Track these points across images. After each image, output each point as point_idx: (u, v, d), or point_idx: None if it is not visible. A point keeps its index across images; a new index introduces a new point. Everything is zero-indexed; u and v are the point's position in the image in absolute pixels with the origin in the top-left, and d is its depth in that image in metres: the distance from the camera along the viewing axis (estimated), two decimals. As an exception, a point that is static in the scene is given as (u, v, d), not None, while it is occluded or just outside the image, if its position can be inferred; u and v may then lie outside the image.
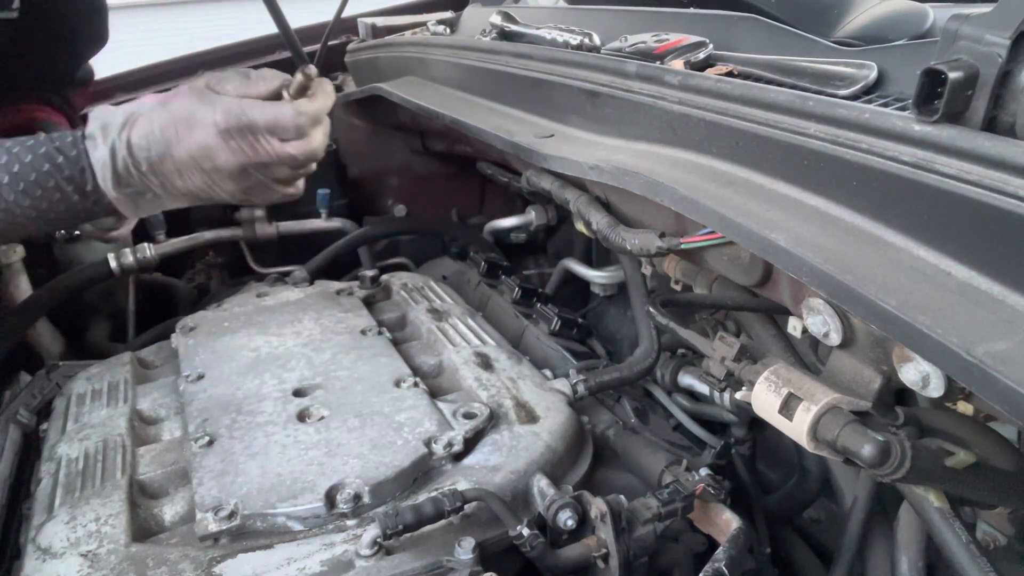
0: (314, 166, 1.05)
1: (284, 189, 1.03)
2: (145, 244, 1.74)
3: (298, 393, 1.07)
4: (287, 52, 2.37)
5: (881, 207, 0.70)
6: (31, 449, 1.13)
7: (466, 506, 0.84)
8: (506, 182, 1.80)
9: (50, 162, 0.91)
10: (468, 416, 1.00)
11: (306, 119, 1.02)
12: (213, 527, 0.83)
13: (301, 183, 1.05)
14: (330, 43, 2.26)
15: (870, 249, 0.69)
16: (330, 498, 0.87)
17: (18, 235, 0.96)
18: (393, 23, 2.09)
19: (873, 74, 0.82)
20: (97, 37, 1.02)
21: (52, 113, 1.70)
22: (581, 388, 1.15)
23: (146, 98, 0.97)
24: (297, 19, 2.38)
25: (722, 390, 1.16)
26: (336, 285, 1.45)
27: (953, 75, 0.61)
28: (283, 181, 1.01)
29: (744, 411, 1.23)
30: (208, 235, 1.85)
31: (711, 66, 1.01)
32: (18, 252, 1.61)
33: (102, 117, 0.95)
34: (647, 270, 1.33)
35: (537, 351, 1.38)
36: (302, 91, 1.06)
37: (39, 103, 1.69)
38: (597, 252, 1.76)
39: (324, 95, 1.08)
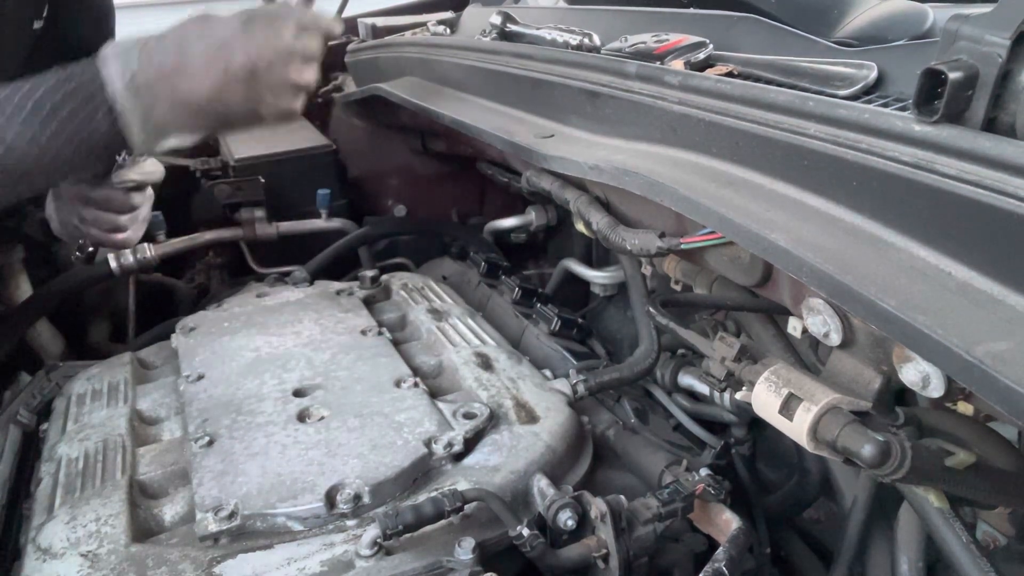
0: (315, 71, 1.07)
1: (291, 97, 1.04)
2: (145, 244, 1.73)
3: (298, 393, 1.07)
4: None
5: (881, 207, 0.70)
6: (31, 449, 1.13)
7: (466, 506, 0.84)
8: (506, 182, 1.80)
9: (67, 84, 0.92)
10: (468, 416, 1.00)
11: (318, 18, 1.07)
12: (213, 527, 0.83)
13: (311, 77, 1.06)
14: (330, 43, 2.26)
15: (870, 249, 0.69)
16: (330, 498, 0.87)
17: (44, 176, 0.96)
18: (393, 23, 2.09)
19: (873, 74, 0.82)
20: (106, 40, 1.07)
21: None
22: (581, 388, 1.15)
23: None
24: (297, 19, 2.37)
25: (722, 390, 1.16)
26: (336, 285, 1.45)
27: (953, 75, 0.61)
28: (292, 85, 1.03)
29: (744, 411, 1.23)
30: (208, 235, 1.85)
31: (711, 66, 1.01)
32: (18, 252, 1.61)
33: (115, 43, 0.97)
34: (647, 270, 1.33)
35: (537, 351, 1.38)
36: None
37: None
38: (597, 252, 1.76)
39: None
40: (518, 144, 1.16)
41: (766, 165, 0.82)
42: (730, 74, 0.96)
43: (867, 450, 0.68)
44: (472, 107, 1.40)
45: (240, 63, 0.97)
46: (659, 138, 0.98)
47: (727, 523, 0.91)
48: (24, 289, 1.64)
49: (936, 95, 0.63)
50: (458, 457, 0.95)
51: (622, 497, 0.88)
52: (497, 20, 1.46)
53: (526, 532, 0.82)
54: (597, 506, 0.86)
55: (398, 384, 1.08)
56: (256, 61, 0.97)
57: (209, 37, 0.97)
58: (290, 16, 1.02)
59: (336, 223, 1.97)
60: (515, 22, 1.44)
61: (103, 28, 1.58)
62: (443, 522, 0.84)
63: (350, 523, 0.87)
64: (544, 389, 1.11)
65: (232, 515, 0.84)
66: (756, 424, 1.27)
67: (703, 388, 1.26)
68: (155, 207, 1.69)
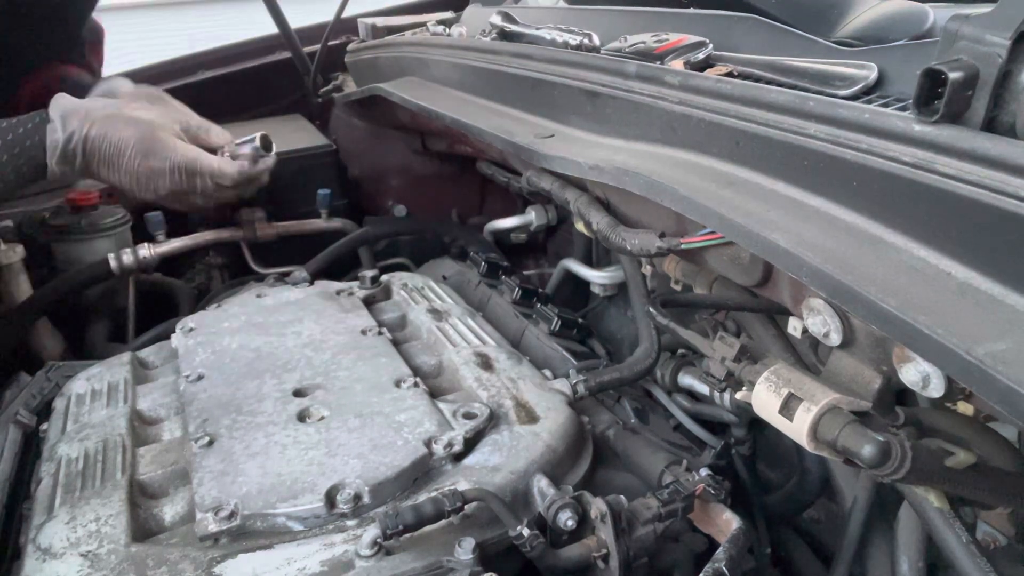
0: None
1: (203, 202, 1.38)
2: (145, 244, 1.74)
3: (298, 393, 1.07)
4: (287, 52, 2.37)
5: (881, 207, 0.70)
6: (31, 449, 1.13)
7: (466, 506, 0.84)
8: (506, 182, 1.80)
9: (16, 136, 1.17)
10: (468, 416, 1.00)
11: (244, 179, 1.39)
12: (213, 527, 0.83)
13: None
14: (330, 43, 2.27)
15: (870, 249, 0.69)
16: (330, 498, 0.87)
17: None
18: (393, 23, 2.09)
19: (873, 74, 0.82)
20: None
21: (75, 70, 1.81)
22: (581, 388, 1.15)
23: (98, 95, 1.18)
24: (297, 19, 2.39)
25: (722, 390, 1.16)
26: (336, 285, 1.45)
27: (953, 75, 0.61)
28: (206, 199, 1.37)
29: (744, 411, 1.23)
30: (208, 235, 1.85)
31: (711, 66, 1.01)
32: (18, 252, 1.61)
33: (63, 107, 1.21)
34: (647, 270, 1.33)
35: (537, 351, 1.38)
36: (254, 159, 1.43)
37: (62, 63, 1.86)
38: (597, 252, 1.76)
39: (265, 167, 1.46)
40: (518, 144, 1.16)
41: (766, 165, 0.82)
42: (730, 74, 0.96)
43: (867, 450, 0.68)
44: (472, 107, 1.40)
45: (163, 193, 1.31)
46: (659, 138, 0.98)
47: (727, 523, 0.91)
48: (24, 289, 1.64)
49: (936, 95, 0.63)
50: (458, 457, 0.95)
51: (622, 497, 0.88)
52: (497, 20, 1.46)
53: (526, 532, 0.82)
54: (597, 506, 0.86)
55: (398, 384, 1.08)
56: (178, 194, 1.30)
57: (145, 163, 1.24)
58: (224, 176, 1.32)
59: (336, 223, 1.97)
60: (515, 22, 1.44)
61: None
62: (443, 522, 0.84)
63: (350, 523, 0.87)
64: (544, 389, 1.11)
65: (232, 515, 0.84)
66: (756, 424, 1.27)
67: (703, 388, 1.26)
68: (155, 207, 1.70)
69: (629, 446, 1.08)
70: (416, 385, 1.07)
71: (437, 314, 1.34)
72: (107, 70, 2.17)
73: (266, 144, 1.45)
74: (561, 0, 1.70)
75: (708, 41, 1.05)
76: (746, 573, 0.93)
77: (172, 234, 1.81)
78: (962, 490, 0.76)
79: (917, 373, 0.73)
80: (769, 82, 0.90)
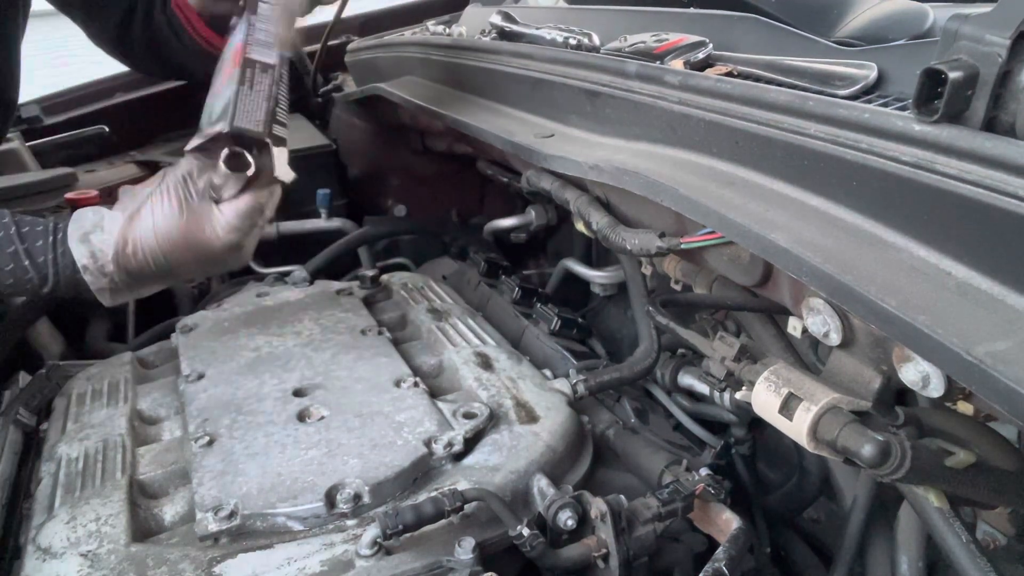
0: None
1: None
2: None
3: (298, 393, 1.07)
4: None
5: (881, 207, 0.70)
6: (31, 449, 1.13)
7: (466, 506, 0.84)
8: (506, 182, 1.80)
9: (17, 249, 0.95)
10: (468, 416, 1.00)
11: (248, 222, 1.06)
12: (213, 527, 0.83)
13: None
14: (330, 43, 2.27)
15: (870, 249, 0.69)
16: (330, 498, 0.87)
17: None
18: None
19: (873, 74, 0.82)
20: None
21: None
22: (581, 388, 1.15)
23: (121, 201, 1.02)
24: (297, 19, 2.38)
25: (722, 390, 1.16)
26: (336, 285, 1.45)
27: (953, 75, 0.61)
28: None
29: (744, 411, 1.23)
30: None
31: (711, 66, 1.01)
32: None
33: (83, 224, 0.97)
34: (647, 270, 1.33)
35: (537, 351, 1.38)
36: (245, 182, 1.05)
37: None
38: (597, 252, 1.76)
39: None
40: (518, 144, 1.16)
41: (766, 165, 0.82)
42: (730, 74, 0.96)
43: (867, 450, 0.68)
44: (472, 107, 1.40)
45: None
46: (659, 138, 0.98)
47: (727, 523, 0.91)
48: (24, 289, 1.63)
49: (936, 95, 0.63)
50: (458, 457, 0.95)
51: (622, 497, 0.88)
52: (497, 20, 1.46)
53: (526, 532, 0.82)
54: (597, 506, 0.86)
55: (398, 384, 1.08)
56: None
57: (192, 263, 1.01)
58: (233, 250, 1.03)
59: (336, 223, 1.97)
60: (515, 22, 1.44)
61: None
62: (443, 522, 0.84)
63: (350, 523, 0.87)
64: (544, 389, 1.11)
65: (232, 515, 0.84)
66: (756, 424, 1.27)
67: (703, 388, 1.26)
68: None
69: (629, 446, 1.08)
70: (416, 385, 1.07)
71: (437, 314, 1.34)
72: (106, 70, 2.17)
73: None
74: (561, 0, 1.70)
75: (708, 41, 1.05)
76: (746, 573, 0.93)
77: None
78: (962, 490, 0.75)
79: (917, 373, 0.73)
80: (769, 82, 0.90)
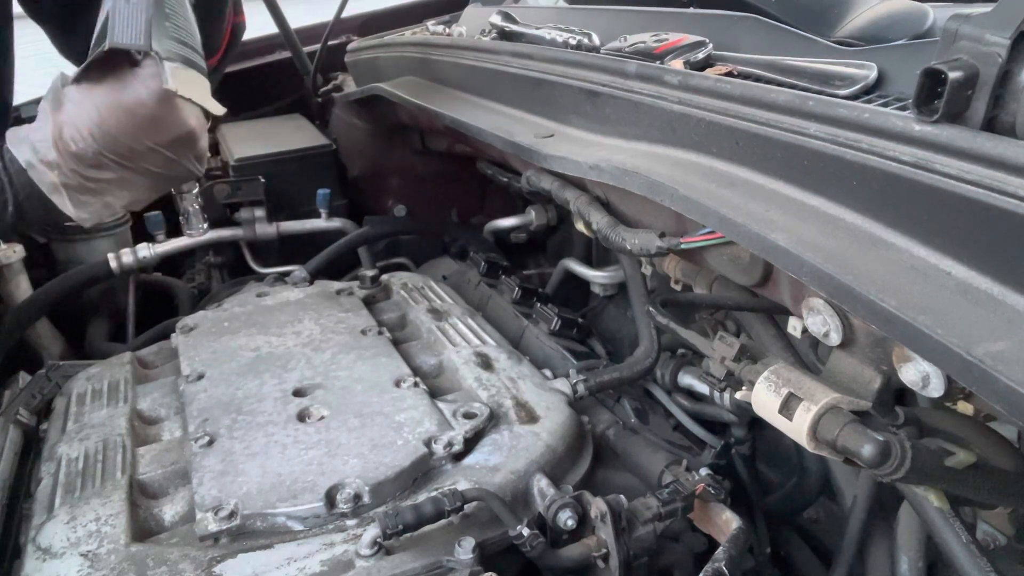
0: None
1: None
2: (145, 244, 1.74)
3: (298, 393, 1.07)
4: (287, 52, 2.37)
5: (881, 207, 0.70)
6: (31, 449, 1.13)
7: (466, 506, 0.84)
8: (506, 182, 1.80)
9: None
10: (468, 416, 1.00)
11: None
12: (213, 527, 0.83)
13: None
14: (330, 43, 2.27)
15: (870, 249, 0.69)
16: (330, 498, 0.87)
17: None
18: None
19: (873, 74, 0.82)
20: None
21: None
22: (581, 388, 1.15)
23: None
24: (297, 19, 2.39)
25: (722, 390, 1.16)
26: (336, 285, 1.45)
27: (953, 75, 0.61)
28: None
29: (744, 411, 1.23)
30: (208, 235, 1.85)
31: (711, 66, 1.01)
32: (18, 252, 1.61)
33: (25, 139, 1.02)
34: (647, 270, 1.33)
35: (537, 351, 1.38)
36: None
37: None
38: (597, 252, 1.76)
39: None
40: (518, 144, 1.16)
41: (766, 165, 0.82)
42: (730, 74, 0.96)
43: (867, 450, 0.68)
44: (472, 107, 1.40)
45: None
46: (659, 138, 0.98)
47: (727, 523, 0.91)
48: (24, 289, 1.64)
49: (936, 95, 0.63)
50: (458, 457, 0.95)
51: (622, 497, 0.88)
52: (497, 20, 1.46)
53: (526, 532, 0.82)
54: (597, 506, 0.86)
55: (398, 384, 1.08)
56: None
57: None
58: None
59: (336, 223, 1.97)
60: (515, 22, 1.44)
61: None
62: (443, 522, 0.84)
63: (350, 523, 0.87)
64: (544, 389, 1.11)
65: (232, 515, 0.84)
66: (756, 424, 1.27)
67: (703, 388, 1.26)
68: (155, 207, 1.69)
69: (629, 446, 1.08)
70: (416, 385, 1.07)
71: (437, 314, 1.34)
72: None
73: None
74: (561, 0, 1.70)
75: (708, 41, 1.05)
76: (746, 573, 0.93)
77: (172, 234, 1.81)
78: (962, 490, 0.76)
79: (917, 373, 0.73)
80: (769, 82, 0.90)
